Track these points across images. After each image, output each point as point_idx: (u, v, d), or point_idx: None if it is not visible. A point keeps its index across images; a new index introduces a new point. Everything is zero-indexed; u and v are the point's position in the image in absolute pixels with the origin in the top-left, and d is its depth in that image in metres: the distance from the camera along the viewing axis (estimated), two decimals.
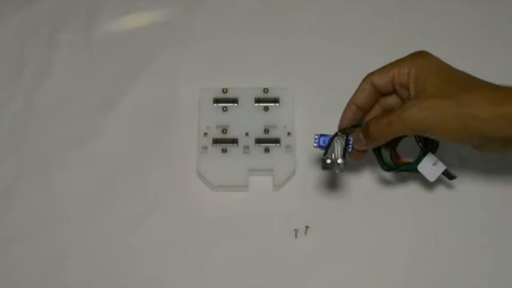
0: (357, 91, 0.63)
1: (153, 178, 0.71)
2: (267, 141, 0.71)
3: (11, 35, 0.80)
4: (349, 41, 0.78)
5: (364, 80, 0.63)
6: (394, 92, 0.62)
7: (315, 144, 0.62)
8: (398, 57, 0.68)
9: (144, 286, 0.67)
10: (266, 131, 0.71)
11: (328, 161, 0.60)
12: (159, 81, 0.76)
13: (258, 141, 0.71)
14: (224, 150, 0.70)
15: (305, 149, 0.71)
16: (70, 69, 0.77)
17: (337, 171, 0.61)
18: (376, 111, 0.64)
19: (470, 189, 0.69)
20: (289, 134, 0.71)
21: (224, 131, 0.71)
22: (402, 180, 0.70)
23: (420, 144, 0.65)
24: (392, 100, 0.63)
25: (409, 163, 0.65)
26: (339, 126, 0.64)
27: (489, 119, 0.56)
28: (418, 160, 0.65)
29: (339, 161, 0.60)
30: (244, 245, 0.68)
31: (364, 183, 0.70)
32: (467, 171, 0.70)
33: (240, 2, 0.81)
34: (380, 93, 0.63)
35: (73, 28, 0.80)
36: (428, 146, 0.65)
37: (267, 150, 0.70)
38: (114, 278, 0.67)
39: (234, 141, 0.71)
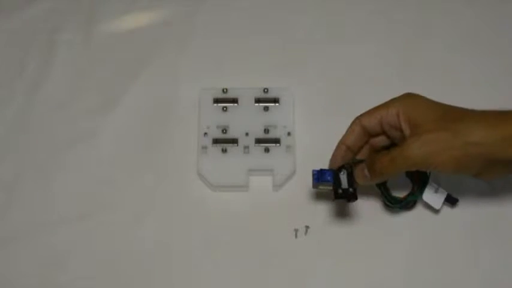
0: (346, 132, 0.65)
1: (153, 178, 0.71)
2: (267, 141, 0.71)
3: (11, 35, 0.80)
4: (349, 41, 0.78)
5: (354, 122, 0.65)
6: (382, 132, 0.64)
7: (315, 181, 0.63)
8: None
9: (144, 286, 0.67)
10: (266, 131, 0.71)
11: (340, 191, 0.62)
12: (159, 81, 0.76)
13: (258, 141, 0.71)
14: (224, 150, 0.70)
15: (305, 149, 0.71)
16: (70, 69, 0.77)
17: (351, 201, 0.63)
18: (365, 150, 0.66)
19: (470, 204, 0.69)
20: (289, 134, 0.71)
21: (224, 131, 0.71)
22: None
23: (411, 177, 0.67)
24: (380, 140, 0.65)
25: (413, 195, 0.67)
26: (330, 166, 0.66)
27: (487, 143, 0.57)
28: (421, 191, 0.66)
29: (351, 190, 0.63)
30: (244, 245, 0.68)
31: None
32: (466, 186, 0.69)
33: (240, 2, 0.81)
34: (369, 134, 0.65)
35: (73, 28, 0.80)
36: (420, 177, 0.67)
37: (267, 150, 0.70)
38: (114, 278, 0.67)
39: (234, 141, 0.71)
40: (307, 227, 0.68)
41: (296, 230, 0.68)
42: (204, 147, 0.71)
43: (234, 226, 0.69)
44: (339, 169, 0.63)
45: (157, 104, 0.75)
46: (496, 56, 0.76)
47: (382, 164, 0.61)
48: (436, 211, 0.68)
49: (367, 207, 0.69)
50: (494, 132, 0.58)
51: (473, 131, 0.58)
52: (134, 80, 0.76)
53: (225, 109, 0.72)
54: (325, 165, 0.66)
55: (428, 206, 0.67)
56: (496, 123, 0.58)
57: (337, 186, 0.63)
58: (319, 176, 0.63)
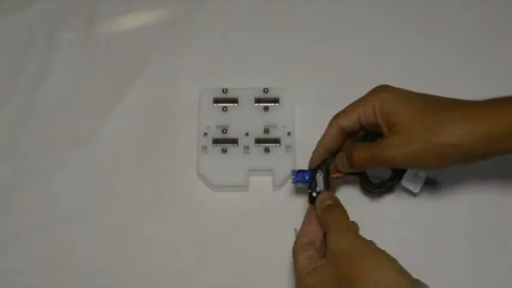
0: (324, 135, 0.65)
1: (153, 178, 0.71)
2: (267, 141, 0.71)
3: (11, 35, 0.79)
4: (349, 41, 0.78)
5: (331, 124, 0.64)
6: (362, 129, 0.63)
7: (293, 181, 0.65)
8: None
9: (145, 286, 0.67)
10: (266, 131, 0.71)
11: (314, 194, 0.63)
12: (159, 81, 0.76)
13: (258, 141, 0.71)
14: (224, 151, 0.70)
15: (305, 149, 0.71)
16: (70, 69, 0.77)
17: None
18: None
19: (466, 191, 0.69)
20: (289, 134, 0.71)
21: (224, 131, 0.71)
22: None
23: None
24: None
25: (392, 180, 0.66)
26: (309, 167, 0.66)
27: (465, 144, 0.56)
28: (400, 176, 0.66)
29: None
30: (244, 245, 0.68)
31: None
32: (463, 174, 0.70)
33: (240, 2, 0.81)
34: (348, 134, 0.64)
35: (73, 28, 0.80)
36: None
37: (267, 150, 0.70)
38: (114, 278, 0.67)
39: (234, 141, 0.70)
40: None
41: (296, 230, 0.68)
42: (204, 147, 0.70)
43: (233, 226, 0.69)
44: (315, 170, 0.64)
45: (157, 104, 0.75)
46: (496, 56, 0.76)
47: (360, 160, 0.61)
48: (414, 195, 0.68)
49: (368, 207, 0.69)
50: (471, 131, 0.56)
51: (450, 131, 0.56)
52: (134, 80, 0.76)
53: (225, 109, 0.72)
54: None
55: (407, 190, 0.67)
56: (475, 118, 0.56)
57: (312, 189, 0.64)
58: (297, 176, 0.65)
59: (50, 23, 0.80)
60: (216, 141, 0.71)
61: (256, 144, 0.70)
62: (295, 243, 0.60)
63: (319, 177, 0.64)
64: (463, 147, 0.56)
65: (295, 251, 0.59)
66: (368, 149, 0.60)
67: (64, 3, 0.81)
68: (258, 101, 0.72)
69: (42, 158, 0.72)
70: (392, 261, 0.54)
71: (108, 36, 0.79)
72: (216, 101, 0.73)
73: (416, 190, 0.67)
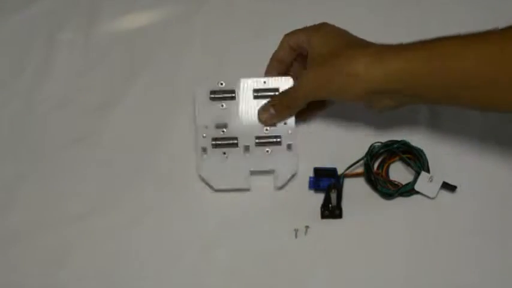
0: (277, 49, 0.70)
1: (153, 178, 0.71)
2: (268, 138, 0.69)
3: (11, 35, 0.79)
4: None
5: (282, 39, 0.69)
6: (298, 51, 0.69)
7: (310, 188, 0.69)
8: None
9: (145, 286, 0.67)
10: (266, 129, 0.69)
11: (326, 213, 0.68)
12: (159, 81, 0.76)
13: (259, 138, 0.69)
14: (224, 153, 0.69)
15: (306, 148, 0.70)
16: (70, 69, 0.77)
17: (337, 218, 0.68)
18: (295, 66, 0.71)
19: (469, 191, 0.69)
20: (290, 132, 0.69)
21: (223, 130, 0.69)
22: None
23: (412, 163, 0.69)
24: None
25: (405, 185, 0.68)
26: (265, 76, 0.71)
27: (366, 77, 0.59)
28: (414, 181, 0.68)
29: (337, 211, 0.68)
30: (244, 245, 0.68)
31: (365, 183, 0.70)
32: (467, 174, 0.70)
33: (240, 2, 0.81)
34: (295, 51, 0.69)
35: (73, 28, 0.80)
36: (418, 165, 0.69)
37: (268, 151, 0.69)
38: (114, 278, 0.67)
39: (233, 139, 0.69)
40: (307, 227, 0.68)
41: (296, 230, 0.68)
42: (204, 149, 0.69)
43: (234, 226, 0.69)
44: (330, 188, 0.66)
45: (157, 104, 0.75)
46: None
47: (286, 100, 0.67)
48: (431, 199, 0.68)
49: (369, 207, 0.69)
50: (373, 66, 0.59)
51: (354, 64, 0.60)
52: (134, 80, 0.76)
53: (222, 106, 0.69)
54: (326, 164, 0.68)
55: (425, 194, 0.68)
56: (378, 58, 0.60)
57: (325, 206, 0.68)
58: (314, 184, 0.69)
59: (50, 23, 0.80)
60: (215, 140, 0.69)
61: (257, 145, 0.69)
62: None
63: (333, 195, 0.67)
64: (363, 80, 0.60)
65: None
66: (293, 90, 0.67)
67: (64, 4, 0.81)
68: (257, 92, 0.69)
69: (43, 158, 0.72)
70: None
71: (108, 36, 0.79)
72: (213, 93, 0.69)
73: (432, 195, 0.67)
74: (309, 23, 0.79)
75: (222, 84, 0.70)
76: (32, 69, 0.77)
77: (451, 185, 0.68)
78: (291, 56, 0.69)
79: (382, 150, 0.70)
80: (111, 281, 0.67)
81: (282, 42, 0.69)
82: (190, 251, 0.68)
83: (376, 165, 0.70)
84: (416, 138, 0.71)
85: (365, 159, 0.69)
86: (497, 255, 0.66)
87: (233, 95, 0.69)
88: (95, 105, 0.75)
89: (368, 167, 0.69)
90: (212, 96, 0.69)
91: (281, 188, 0.70)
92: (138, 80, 0.76)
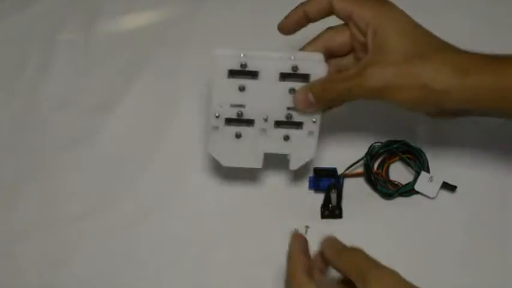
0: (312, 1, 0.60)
1: (154, 178, 0.71)
2: (288, 125, 0.63)
3: (11, 35, 0.80)
4: None
5: None
6: (347, 24, 0.59)
7: (310, 187, 0.69)
8: None
9: (146, 286, 0.67)
10: (289, 116, 0.62)
11: (326, 213, 0.68)
12: (159, 81, 0.76)
13: (278, 124, 0.63)
14: (238, 134, 0.63)
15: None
16: (70, 69, 0.77)
17: (337, 218, 0.68)
18: (330, 71, 0.60)
19: (469, 192, 0.69)
20: (314, 121, 0.62)
21: (239, 112, 0.62)
22: None
23: (412, 163, 0.68)
24: (347, 63, 0.61)
25: (405, 185, 0.68)
26: (279, 25, 0.63)
27: (449, 92, 0.54)
28: (414, 181, 0.68)
29: (337, 212, 0.68)
30: (244, 245, 0.68)
31: (365, 183, 0.70)
32: (467, 174, 0.70)
33: (240, 2, 0.81)
34: (332, 14, 0.60)
35: (73, 28, 0.80)
36: (418, 165, 0.68)
37: (286, 138, 0.63)
38: (114, 278, 0.67)
39: (249, 122, 0.62)
40: (307, 227, 0.68)
41: (296, 230, 0.68)
42: (216, 128, 0.62)
43: (233, 226, 0.69)
44: (330, 188, 0.66)
45: (158, 104, 0.75)
46: None
47: (337, 91, 0.57)
48: (431, 199, 0.68)
49: (369, 206, 0.69)
50: (458, 81, 0.53)
51: (438, 74, 0.54)
52: (134, 80, 0.76)
53: (241, 85, 0.61)
54: (326, 164, 0.69)
55: (425, 194, 0.68)
56: (467, 69, 0.54)
57: (325, 206, 0.68)
58: (314, 184, 0.68)
59: (50, 23, 0.80)
60: (229, 121, 0.62)
61: (276, 127, 0.63)
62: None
63: (333, 195, 0.67)
64: (444, 94, 0.54)
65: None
66: (346, 79, 0.57)
67: (64, 4, 0.81)
68: (283, 77, 0.61)
69: (43, 158, 0.72)
70: None
71: (108, 37, 0.79)
72: (232, 72, 0.61)
73: (432, 195, 0.68)
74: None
75: (242, 62, 0.60)
76: (32, 69, 0.77)
77: (451, 185, 0.68)
78: (325, 15, 0.59)
79: (382, 150, 0.70)
80: (111, 281, 0.67)
81: None
82: (190, 251, 0.68)
83: (376, 165, 0.70)
84: (416, 138, 0.71)
85: (365, 159, 0.69)
86: (497, 255, 0.66)
87: (255, 76, 0.61)
88: (95, 105, 0.75)
89: (368, 167, 0.69)
90: (231, 74, 0.61)
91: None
92: (138, 80, 0.76)
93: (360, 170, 0.69)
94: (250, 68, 0.60)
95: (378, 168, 0.70)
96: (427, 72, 0.54)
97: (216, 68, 0.61)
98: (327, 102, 0.59)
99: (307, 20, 0.61)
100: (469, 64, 0.54)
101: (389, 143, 0.69)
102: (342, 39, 0.60)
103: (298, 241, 0.58)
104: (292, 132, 0.63)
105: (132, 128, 0.74)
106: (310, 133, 0.63)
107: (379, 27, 0.56)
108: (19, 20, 0.80)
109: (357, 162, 0.69)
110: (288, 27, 0.61)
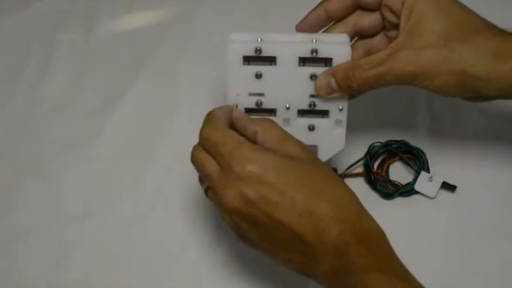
0: None
1: (153, 178, 0.71)
2: (313, 114, 0.58)
3: (11, 35, 0.80)
4: None
5: None
6: (377, 10, 0.55)
7: None
8: None
9: (146, 286, 0.67)
10: (312, 104, 0.58)
11: None
12: (159, 81, 0.76)
13: (302, 113, 0.58)
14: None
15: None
16: (70, 69, 0.78)
17: None
18: (359, 53, 0.57)
19: (469, 191, 0.69)
20: (341, 109, 0.58)
21: (258, 101, 0.58)
22: None
23: (411, 163, 0.68)
24: (377, 43, 0.57)
25: (405, 185, 0.68)
26: (297, 27, 0.59)
27: (490, 79, 0.50)
28: (413, 181, 0.68)
29: None
30: (244, 245, 0.68)
31: (364, 183, 0.70)
32: (467, 174, 0.69)
33: (241, 1, 0.81)
34: (359, 7, 0.56)
35: (73, 28, 0.80)
36: (418, 165, 0.68)
37: (311, 127, 0.59)
38: (114, 278, 0.67)
39: (270, 112, 0.58)
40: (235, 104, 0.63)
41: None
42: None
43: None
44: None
45: (158, 104, 0.75)
46: None
47: (366, 77, 0.53)
48: (431, 199, 0.68)
49: (370, 206, 0.69)
50: (499, 67, 0.50)
51: (479, 60, 0.50)
52: (134, 79, 0.77)
53: (259, 76, 0.57)
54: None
55: (424, 194, 0.68)
56: (509, 53, 0.50)
57: None
58: None
59: (51, 23, 0.80)
60: (249, 112, 0.58)
61: (299, 116, 0.59)
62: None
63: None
64: (484, 81, 0.50)
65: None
66: (374, 64, 0.52)
67: (64, 4, 0.81)
68: (302, 62, 0.56)
69: (43, 158, 0.72)
70: None
71: (109, 36, 0.79)
72: (248, 58, 0.56)
73: (432, 195, 0.67)
74: None
75: (258, 48, 0.56)
76: (32, 69, 0.77)
77: (451, 185, 0.68)
78: (348, 11, 0.55)
79: (381, 150, 0.70)
80: (111, 281, 0.67)
81: None
82: (190, 251, 0.68)
83: (376, 165, 0.70)
84: (416, 138, 0.71)
85: (365, 159, 0.69)
86: (496, 255, 0.66)
87: (273, 65, 0.57)
88: (95, 105, 0.75)
89: (368, 167, 0.69)
90: (246, 60, 0.57)
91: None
92: (138, 80, 0.77)
93: (360, 170, 0.69)
94: (265, 53, 0.56)
95: (377, 168, 0.70)
96: (467, 57, 0.50)
97: (230, 54, 0.57)
98: (352, 89, 0.54)
99: (329, 19, 0.57)
100: (510, 48, 0.50)
101: (389, 143, 0.69)
102: (372, 18, 0.56)
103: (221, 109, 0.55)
104: (318, 121, 0.59)
105: (132, 128, 0.74)
106: (338, 122, 0.59)
107: (415, 5, 0.52)
108: (19, 20, 0.80)
109: (357, 162, 0.69)
110: (306, 29, 0.57)
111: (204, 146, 0.52)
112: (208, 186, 0.53)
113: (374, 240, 0.49)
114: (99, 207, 0.70)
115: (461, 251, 0.67)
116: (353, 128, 0.72)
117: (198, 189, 0.70)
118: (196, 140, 0.72)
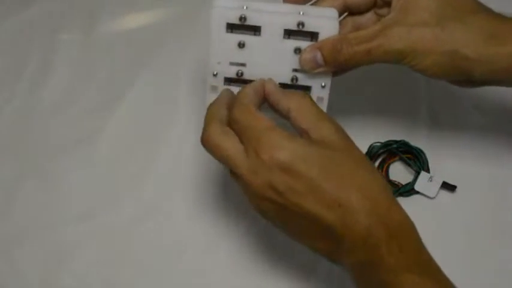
0: None
1: (155, 177, 0.71)
2: (294, 88, 0.56)
3: (11, 35, 0.80)
4: None
5: None
6: None
7: None
8: None
9: (145, 286, 0.67)
10: (294, 79, 0.56)
11: None
12: (159, 81, 0.76)
13: (283, 87, 0.55)
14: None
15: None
16: (70, 69, 0.78)
17: None
18: (347, 30, 0.56)
19: (469, 191, 0.69)
20: (323, 86, 0.56)
21: (239, 71, 0.56)
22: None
23: (411, 163, 0.68)
24: (367, 21, 0.56)
25: (405, 185, 0.68)
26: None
27: (482, 61, 0.49)
28: (413, 181, 0.68)
29: None
30: (244, 245, 0.68)
31: None
32: (467, 174, 0.70)
33: None
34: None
35: (74, 28, 0.80)
36: (418, 165, 0.68)
37: None
38: (114, 278, 0.67)
39: (250, 82, 0.56)
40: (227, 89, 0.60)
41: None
42: (214, 88, 0.57)
43: (233, 226, 0.69)
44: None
45: (158, 104, 0.75)
46: None
47: (354, 52, 0.51)
48: (431, 199, 0.68)
49: None
50: (491, 49, 0.49)
51: (471, 40, 0.49)
52: (134, 80, 0.76)
53: (242, 45, 0.55)
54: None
55: (424, 194, 0.68)
56: (502, 36, 0.49)
57: None
58: None
59: (51, 23, 0.80)
60: (228, 81, 0.57)
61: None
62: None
63: None
64: (474, 62, 0.49)
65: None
66: (363, 40, 0.51)
67: (64, 4, 0.81)
68: (288, 34, 0.54)
69: (43, 158, 0.72)
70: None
71: (109, 36, 0.79)
72: (232, 26, 0.55)
73: (432, 195, 0.68)
74: None
75: (243, 16, 0.54)
76: (32, 69, 0.77)
77: (451, 185, 0.68)
78: (369, 5, 0.54)
79: (381, 150, 0.70)
80: (111, 281, 0.67)
81: None
82: (190, 251, 0.68)
83: (376, 165, 0.70)
84: (416, 138, 0.71)
85: None
86: (496, 255, 0.66)
87: (257, 35, 0.55)
88: (95, 105, 0.75)
89: None
90: (230, 28, 0.55)
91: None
92: (139, 79, 0.77)
93: None
94: (250, 22, 0.54)
95: (377, 168, 0.70)
96: (459, 37, 0.49)
97: (213, 20, 0.55)
98: (338, 64, 0.53)
99: (346, 8, 0.56)
100: (507, 31, 0.49)
101: (389, 143, 0.69)
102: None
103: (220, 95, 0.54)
104: None
105: (132, 128, 0.74)
106: (319, 99, 0.57)
107: None
108: (19, 20, 0.80)
109: None
110: (293, 0, 0.55)
111: (233, 127, 0.50)
112: (230, 170, 0.51)
113: (404, 236, 0.48)
114: (99, 207, 0.70)
115: (461, 251, 0.67)
116: (353, 128, 0.72)
117: (199, 189, 0.70)
118: (196, 140, 0.73)
